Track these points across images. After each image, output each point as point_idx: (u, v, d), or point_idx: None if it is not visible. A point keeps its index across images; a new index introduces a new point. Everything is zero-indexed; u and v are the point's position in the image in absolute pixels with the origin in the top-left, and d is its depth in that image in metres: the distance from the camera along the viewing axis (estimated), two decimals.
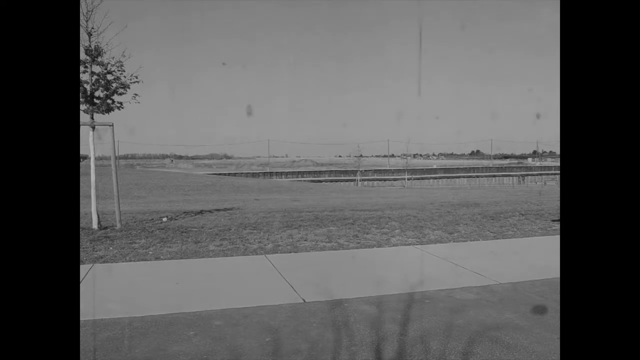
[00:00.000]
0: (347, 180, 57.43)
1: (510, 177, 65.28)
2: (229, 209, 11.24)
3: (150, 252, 5.75)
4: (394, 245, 6.37)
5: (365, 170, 61.66)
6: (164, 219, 8.59)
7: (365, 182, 56.88)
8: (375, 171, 66.10)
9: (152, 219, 8.62)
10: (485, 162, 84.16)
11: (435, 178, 62.14)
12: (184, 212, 10.24)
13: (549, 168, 70.02)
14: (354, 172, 60.97)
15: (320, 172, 66.61)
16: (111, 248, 5.91)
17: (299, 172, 66.36)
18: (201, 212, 10.36)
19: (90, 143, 7.06)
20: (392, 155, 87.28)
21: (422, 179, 60.88)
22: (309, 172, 66.67)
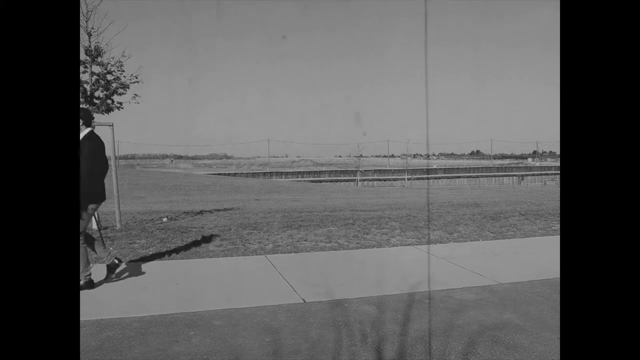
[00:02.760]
0: (346, 180, 57.41)
1: (510, 177, 65.33)
2: (228, 209, 11.25)
3: (150, 252, 5.75)
4: (394, 246, 6.37)
5: (365, 170, 61.65)
6: (164, 219, 8.59)
7: (365, 182, 56.85)
8: (375, 171, 66.12)
9: (152, 219, 8.62)
10: (485, 162, 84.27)
11: (435, 178, 62.17)
12: (184, 212, 10.24)
13: (549, 168, 70.12)
14: (354, 172, 60.99)
15: (320, 172, 66.59)
16: (111, 248, 5.91)
17: (298, 172, 66.35)
18: (201, 212, 10.36)
19: None
20: (392, 156, 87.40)
21: (422, 179, 60.91)
22: (309, 172, 66.65)
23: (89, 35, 6.94)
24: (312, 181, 51.39)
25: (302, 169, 74.86)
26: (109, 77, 7.01)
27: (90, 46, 6.93)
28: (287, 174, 64.61)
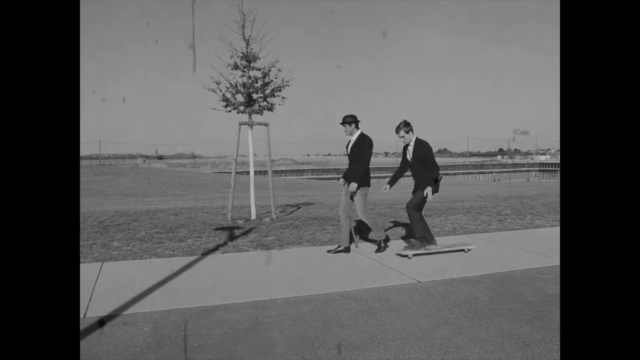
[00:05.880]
0: (334, 179, 58.16)
1: (486, 174, 68.13)
2: (311, 204, 11.95)
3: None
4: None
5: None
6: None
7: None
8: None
9: (282, 211, 9.30)
10: (461, 160, 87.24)
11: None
12: (283, 206, 10.89)
13: (522, 165, 73.59)
14: (336, 170, 61.89)
15: (303, 171, 67.10)
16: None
17: (281, 171, 66.56)
18: (297, 206, 11.04)
19: (249, 141, 7.69)
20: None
21: (406, 176, 62.53)
22: (292, 171, 66.96)
23: (247, 42, 7.55)
24: (305, 179, 51.86)
25: (282, 167, 75.08)
26: (266, 79, 7.62)
27: (247, 52, 7.53)
28: (274, 172, 64.46)
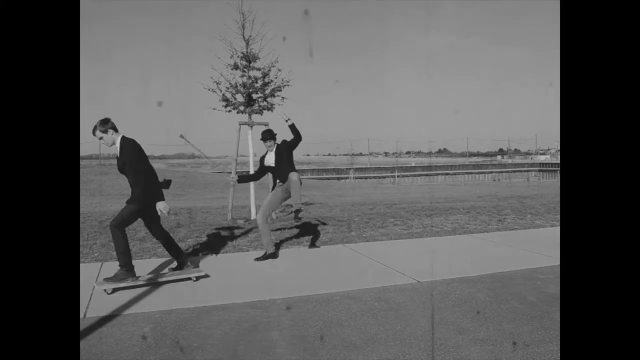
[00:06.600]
0: (336, 178, 58.19)
1: (485, 174, 68.02)
2: (310, 204, 11.96)
3: (353, 235, 6.50)
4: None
5: (348, 169, 62.74)
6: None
7: (347, 180, 57.75)
8: (358, 169, 67.30)
9: (282, 211, 9.31)
10: (461, 160, 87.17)
11: (420, 175, 64.00)
12: (283, 206, 10.88)
13: (522, 165, 73.50)
14: (336, 171, 61.98)
15: (303, 171, 67.06)
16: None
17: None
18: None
19: (249, 141, 7.69)
20: (371, 154, 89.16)
21: (406, 176, 62.65)
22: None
23: (247, 42, 7.55)
24: (304, 179, 51.71)
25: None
26: (266, 79, 7.63)
27: (247, 52, 7.54)
28: None
